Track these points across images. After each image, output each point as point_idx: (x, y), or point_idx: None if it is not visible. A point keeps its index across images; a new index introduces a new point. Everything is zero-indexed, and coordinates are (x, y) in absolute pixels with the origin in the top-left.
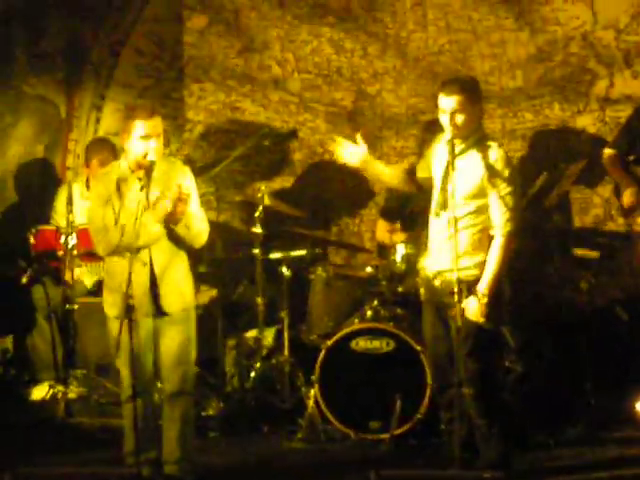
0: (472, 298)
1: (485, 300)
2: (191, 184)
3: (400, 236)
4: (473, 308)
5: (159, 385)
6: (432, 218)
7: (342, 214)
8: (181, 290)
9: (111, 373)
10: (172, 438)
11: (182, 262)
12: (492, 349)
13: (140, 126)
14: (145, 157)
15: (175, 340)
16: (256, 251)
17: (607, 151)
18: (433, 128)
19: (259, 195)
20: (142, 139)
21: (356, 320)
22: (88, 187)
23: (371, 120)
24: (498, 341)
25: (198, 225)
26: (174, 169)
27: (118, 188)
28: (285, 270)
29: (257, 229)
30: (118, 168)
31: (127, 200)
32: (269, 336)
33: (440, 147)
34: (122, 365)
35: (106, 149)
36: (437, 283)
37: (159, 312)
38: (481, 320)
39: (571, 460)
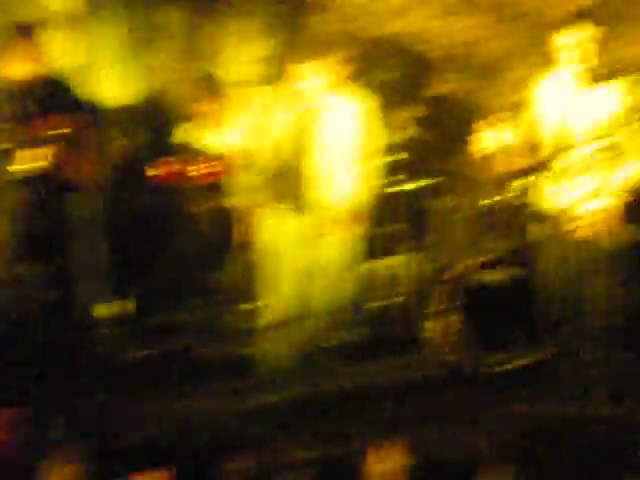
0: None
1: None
2: (361, 122)
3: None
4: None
5: None
6: (557, 154)
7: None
8: None
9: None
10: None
11: None
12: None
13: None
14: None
15: (331, 264)
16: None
17: None
18: None
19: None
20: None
21: (478, 252)
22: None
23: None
24: None
25: None
26: (345, 105)
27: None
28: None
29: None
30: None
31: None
32: (394, 266)
33: (553, 81)
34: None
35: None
36: (567, 216)
37: None
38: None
39: None
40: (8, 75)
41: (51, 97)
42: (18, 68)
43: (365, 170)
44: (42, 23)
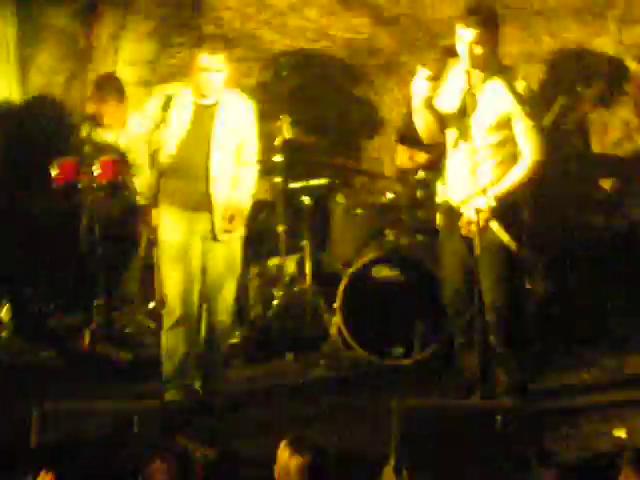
0: (480, 198)
1: (491, 204)
2: (253, 121)
3: (421, 159)
4: (478, 205)
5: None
6: (451, 149)
7: (361, 141)
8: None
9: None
10: (211, 363)
11: None
12: (516, 276)
13: (204, 59)
14: (205, 89)
15: (221, 263)
16: (277, 180)
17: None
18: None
19: (279, 124)
20: (204, 71)
21: (376, 248)
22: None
23: (389, 45)
24: (522, 267)
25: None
26: (240, 103)
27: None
28: (306, 199)
29: (277, 158)
30: (176, 90)
31: (177, 122)
32: (291, 264)
33: (455, 76)
34: (173, 286)
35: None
36: (460, 211)
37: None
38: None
39: (589, 382)
40: None
41: None
42: None
43: (259, 168)
44: None
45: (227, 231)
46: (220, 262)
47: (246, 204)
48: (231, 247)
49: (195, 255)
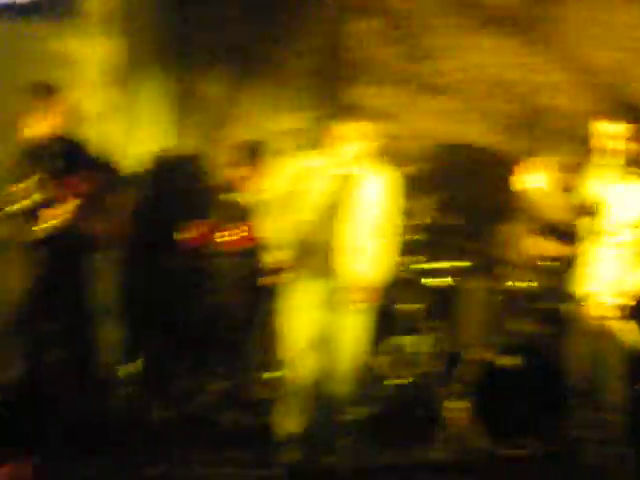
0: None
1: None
2: (393, 195)
3: (553, 249)
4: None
5: None
6: (589, 241)
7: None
8: None
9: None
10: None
11: None
12: None
13: (340, 128)
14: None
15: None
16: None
17: None
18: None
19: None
20: (341, 141)
21: (501, 335)
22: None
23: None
24: None
25: None
26: (380, 176)
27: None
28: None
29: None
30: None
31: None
32: (422, 345)
33: (598, 170)
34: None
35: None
36: (594, 304)
37: None
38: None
39: None
40: (31, 134)
41: (71, 156)
42: (40, 127)
43: (391, 244)
44: (68, 83)
45: (355, 302)
46: (345, 333)
47: (379, 278)
48: (359, 319)
49: (320, 324)
